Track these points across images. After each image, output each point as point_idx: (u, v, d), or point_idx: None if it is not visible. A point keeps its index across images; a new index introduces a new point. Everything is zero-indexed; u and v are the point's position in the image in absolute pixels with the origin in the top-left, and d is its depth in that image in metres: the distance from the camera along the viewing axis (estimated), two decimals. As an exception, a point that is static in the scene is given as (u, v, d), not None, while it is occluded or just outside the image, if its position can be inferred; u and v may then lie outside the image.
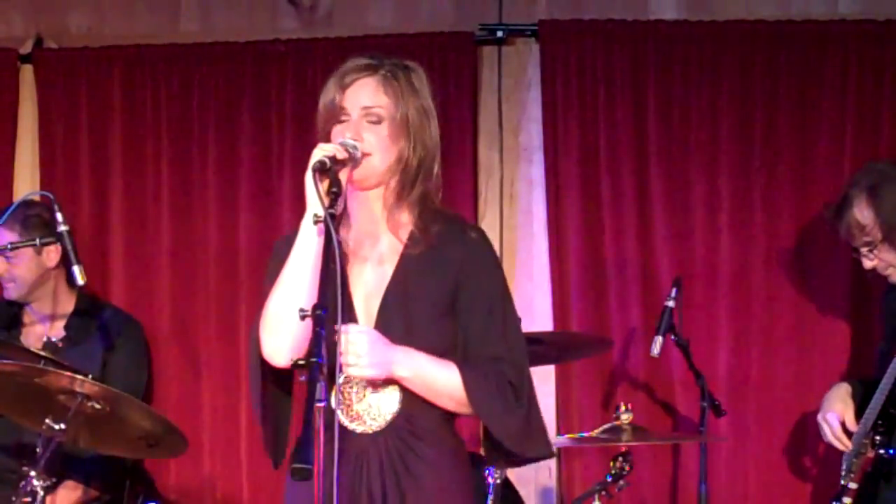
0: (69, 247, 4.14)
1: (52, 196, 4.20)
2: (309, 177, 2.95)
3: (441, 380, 3.08)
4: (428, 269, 3.13)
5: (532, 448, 3.15)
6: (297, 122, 5.31)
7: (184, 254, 5.38)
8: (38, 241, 4.43)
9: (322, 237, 2.95)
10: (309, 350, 2.74)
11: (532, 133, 5.34)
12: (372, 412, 3.10)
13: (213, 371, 5.35)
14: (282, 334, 3.05)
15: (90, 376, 4.07)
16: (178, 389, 5.34)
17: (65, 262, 4.57)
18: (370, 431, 3.09)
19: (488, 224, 5.29)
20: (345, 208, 3.08)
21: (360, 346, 2.99)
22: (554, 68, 5.26)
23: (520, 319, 3.27)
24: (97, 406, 4.06)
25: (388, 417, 3.09)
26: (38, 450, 4.14)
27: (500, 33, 5.32)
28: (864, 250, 4.47)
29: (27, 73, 5.46)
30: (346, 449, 3.02)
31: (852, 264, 4.74)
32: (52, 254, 4.75)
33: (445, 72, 5.26)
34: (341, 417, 3.05)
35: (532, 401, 3.14)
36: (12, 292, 4.83)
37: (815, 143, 5.17)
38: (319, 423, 2.68)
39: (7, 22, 5.52)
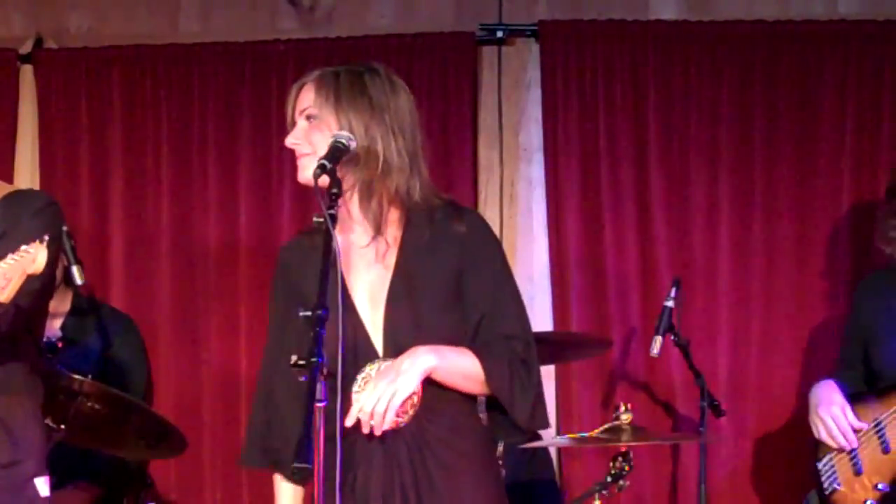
0: (68, 247, 4.13)
1: (51, 196, 4.19)
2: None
3: (462, 363, 3.08)
4: (429, 258, 3.13)
5: (539, 423, 3.17)
6: (297, 122, 5.31)
7: (184, 253, 5.38)
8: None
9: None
10: (309, 350, 2.74)
11: (532, 133, 5.35)
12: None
13: (213, 371, 5.35)
14: None
15: (89, 376, 4.07)
16: (178, 389, 5.34)
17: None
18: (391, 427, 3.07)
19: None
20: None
21: (377, 386, 3.00)
22: (554, 68, 5.26)
23: (519, 291, 3.25)
24: (97, 406, 4.06)
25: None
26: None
27: (500, 33, 5.33)
28: None
29: (27, 73, 5.45)
30: (371, 447, 3.04)
31: (852, 264, 4.74)
32: None
33: (445, 72, 5.27)
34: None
35: (539, 376, 3.16)
36: None
37: (815, 143, 5.17)
38: (320, 423, 2.69)
39: (7, 22, 5.52)
